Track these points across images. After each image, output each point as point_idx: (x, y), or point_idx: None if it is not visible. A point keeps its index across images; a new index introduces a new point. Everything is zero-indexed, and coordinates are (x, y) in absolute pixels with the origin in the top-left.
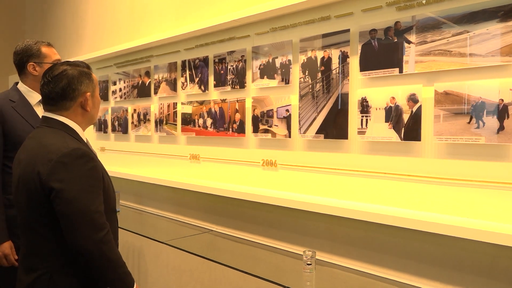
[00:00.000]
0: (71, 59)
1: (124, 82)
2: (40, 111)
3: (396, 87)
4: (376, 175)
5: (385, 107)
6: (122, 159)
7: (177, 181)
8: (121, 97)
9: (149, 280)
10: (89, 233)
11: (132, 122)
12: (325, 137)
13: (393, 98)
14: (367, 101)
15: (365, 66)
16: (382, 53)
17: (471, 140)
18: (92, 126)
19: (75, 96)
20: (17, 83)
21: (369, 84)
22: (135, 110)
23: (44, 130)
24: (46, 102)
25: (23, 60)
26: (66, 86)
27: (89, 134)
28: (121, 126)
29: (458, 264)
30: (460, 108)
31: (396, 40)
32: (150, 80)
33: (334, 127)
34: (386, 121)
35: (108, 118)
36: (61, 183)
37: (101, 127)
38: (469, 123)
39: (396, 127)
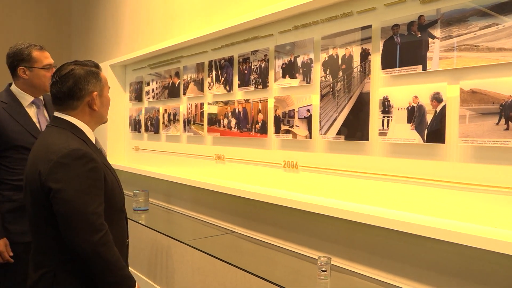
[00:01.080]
0: (111, 61)
1: (157, 83)
2: (32, 112)
3: (419, 85)
4: (398, 179)
5: (408, 107)
6: (154, 158)
7: (202, 181)
8: (153, 97)
9: (176, 279)
10: (86, 234)
11: (163, 122)
12: (345, 139)
13: (416, 97)
14: (388, 101)
15: (387, 63)
16: (405, 50)
17: (500, 142)
18: (127, 126)
19: (82, 96)
20: (10, 84)
21: (391, 82)
22: (165, 110)
23: (51, 130)
24: (55, 102)
25: (13, 63)
26: (72, 85)
27: (124, 134)
28: (153, 126)
29: (486, 278)
30: (488, 107)
31: (419, 35)
32: (179, 80)
33: (355, 128)
34: (409, 121)
35: (142, 118)
36: (59, 184)
37: (136, 127)
38: (497, 124)
39: (419, 128)
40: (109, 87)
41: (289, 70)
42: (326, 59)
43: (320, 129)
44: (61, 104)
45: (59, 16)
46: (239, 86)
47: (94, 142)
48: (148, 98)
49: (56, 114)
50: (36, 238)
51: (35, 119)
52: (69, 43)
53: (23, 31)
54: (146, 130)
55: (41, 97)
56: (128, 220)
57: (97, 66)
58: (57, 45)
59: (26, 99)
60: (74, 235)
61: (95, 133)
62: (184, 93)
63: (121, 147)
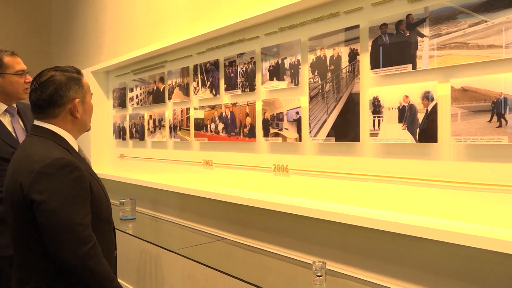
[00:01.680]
0: (93, 68)
1: (140, 89)
2: (7, 121)
3: (410, 84)
4: (390, 179)
5: (398, 107)
6: (140, 165)
7: (190, 188)
8: (137, 103)
9: None
10: (73, 247)
11: (148, 129)
12: (336, 140)
13: (407, 96)
14: (379, 101)
15: (376, 63)
16: (394, 49)
17: (493, 140)
18: (111, 133)
19: (64, 103)
20: None
21: (380, 82)
22: (150, 116)
23: (31, 140)
24: (34, 110)
25: None
26: (53, 92)
27: (108, 142)
28: (138, 133)
29: (483, 278)
30: (480, 105)
31: (408, 34)
32: (164, 86)
33: (346, 129)
34: (400, 121)
35: (126, 125)
36: (43, 195)
37: (120, 134)
38: (490, 121)
39: (411, 127)
40: (92, 94)
41: (276, 72)
42: (314, 60)
43: (310, 132)
44: (42, 112)
45: (38, 22)
46: (226, 89)
47: (77, 150)
48: (132, 105)
49: (36, 122)
50: (18, 253)
51: (10, 128)
52: (49, 50)
53: (0, 38)
54: (131, 137)
55: (15, 105)
56: (116, 230)
57: (78, 72)
58: (37, 52)
59: None
60: (60, 248)
61: (78, 141)
62: (169, 99)
63: (106, 155)
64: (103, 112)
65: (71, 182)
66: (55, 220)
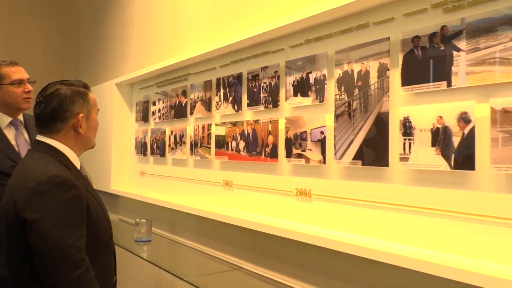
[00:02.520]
0: (117, 80)
1: (163, 103)
2: (11, 135)
3: (444, 104)
4: (421, 211)
5: (431, 129)
6: (159, 184)
7: (208, 211)
8: (160, 118)
9: None
10: (64, 271)
11: (169, 145)
12: (363, 164)
13: (441, 117)
14: (410, 121)
15: (407, 79)
16: (427, 64)
17: None
18: (133, 148)
19: (67, 118)
20: None
21: (412, 101)
22: (172, 132)
23: (32, 155)
24: (37, 124)
25: None
26: (57, 106)
27: (129, 157)
28: (159, 149)
29: None
30: None
31: (443, 48)
32: (186, 100)
33: (373, 152)
34: (433, 145)
35: (148, 140)
36: (36, 214)
37: (142, 149)
38: None
39: (445, 152)
40: (99, 109)
41: (301, 88)
42: (341, 75)
43: (335, 153)
44: (44, 127)
45: (68, 32)
46: (248, 105)
47: (79, 168)
48: (155, 119)
49: (38, 137)
50: (12, 275)
51: (13, 142)
52: (77, 60)
53: (29, 48)
54: (152, 153)
55: (21, 118)
56: (129, 253)
57: (85, 86)
58: (65, 62)
59: (3, 120)
60: (50, 272)
61: (87, 158)
62: (191, 113)
63: (126, 172)
64: (125, 126)
65: (66, 201)
66: (46, 241)
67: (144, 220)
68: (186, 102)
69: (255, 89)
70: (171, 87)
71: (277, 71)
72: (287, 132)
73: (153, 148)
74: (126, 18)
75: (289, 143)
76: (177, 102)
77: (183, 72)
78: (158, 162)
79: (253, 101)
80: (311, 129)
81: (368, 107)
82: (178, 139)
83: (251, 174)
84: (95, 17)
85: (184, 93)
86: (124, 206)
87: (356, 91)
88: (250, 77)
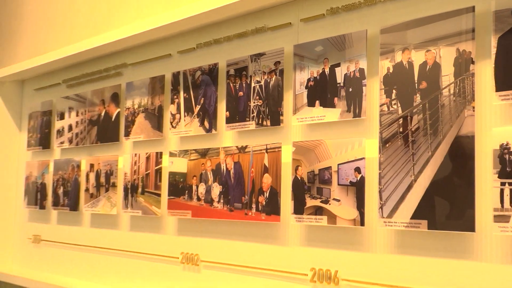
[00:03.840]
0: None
1: (78, 114)
2: None
3: None
4: None
5: None
6: (68, 258)
7: None
8: (70, 141)
9: None
10: None
11: (87, 189)
12: (430, 227)
13: None
14: (511, 152)
15: (506, 80)
16: None
17: None
18: (21, 196)
19: None
20: None
21: None
22: (92, 166)
23: None
24: None
25: None
26: None
27: (14, 211)
28: (68, 197)
29: None
30: None
31: None
32: (119, 109)
33: (449, 205)
34: None
35: (49, 181)
36: None
37: (36, 198)
38: None
39: None
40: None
41: (320, 91)
42: (391, 70)
43: (381, 208)
44: None
45: None
46: (229, 121)
47: None
48: (62, 143)
49: None
50: None
51: None
52: None
53: None
54: (56, 204)
55: None
56: None
57: None
58: None
59: None
60: None
61: None
62: (127, 134)
63: (8, 238)
64: (8, 156)
65: None
66: None
67: None
68: (118, 114)
69: (241, 93)
70: (92, 87)
71: (279, 62)
72: (296, 169)
73: (58, 194)
74: None
75: (299, 188)
76: (102, 114)
77: (113, 62)
78: (67, 220)
79: (237, 114)
80: (338, 164)
81: (438, 126)
82: (102, 180)
83: (233, 243)
84: None
85: (115, 98)
86: None
87: (417, 97)
88: (232, 72)
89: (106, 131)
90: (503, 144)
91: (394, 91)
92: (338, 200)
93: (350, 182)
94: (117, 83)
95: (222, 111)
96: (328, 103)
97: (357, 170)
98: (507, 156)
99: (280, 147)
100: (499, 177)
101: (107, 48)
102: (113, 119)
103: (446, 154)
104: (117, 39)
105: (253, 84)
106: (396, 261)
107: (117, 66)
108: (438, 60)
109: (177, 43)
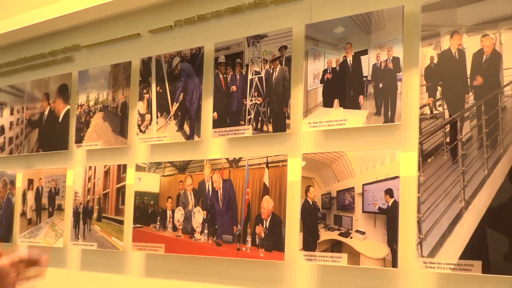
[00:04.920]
0: None
1: (12, 113)
2: None
3: None
4: None
5: None
6: None
7: None
8: (1, 148)
9: None
10: None
11: (23, 213)
12: (485, 270)
13: None
14: None
15: None
16: None
17: None
18: None
19: None
20: None
21: None
22: (31, 182)
23: None
24: None
25: None
26: None
27: None
28: None
29: None
30: None
31: None
32: (68, 107)
33: (508, 242)
34: None
35: None
36: None
37: None
38: None
39: None
40: None
41: (340, 87)
42: (435, 60)
43: (420, 243)
44: None
45: None
46: (217, 124)
47: None
48: None
49: None
50: None
51: None
52: None
53: None
54: None
55: None
56: None
57: None
58: None
59: None
60: None
61: None
62: (80, 140)
63: None
64: None
65: None
66: None
67: None
68: (67, 113)
69: (234, 87)
70: (31, 76)
71: (286, 47)
72: (307, 191)
73: None
74: None
75: (311, 216)
76: (46, 112)
77: (62, 43)
78: None
79: (229, 115)
80: (364, 185)
81: (497, 137)
82: (45, 201)
83: None
84: None
85: (64, 91)
86: None
87: (470, 97)
88: (222, 59)
89: (51, 136)
90: None
91: (439, 88)
92: (363, 233)
93: (379, 208)
94: (67, 72)
95: (208, 111)
96: (350, 103)
97: (389, 193)
98: None
99: (285, 161)
100: None
101: (54, 24)
102: (60, 120)
103: (508, 173)
104: (67, 13)
105: (250, 76)
106: None
107: (67, 49)
108: (498, 48)
109: (149, 19)
